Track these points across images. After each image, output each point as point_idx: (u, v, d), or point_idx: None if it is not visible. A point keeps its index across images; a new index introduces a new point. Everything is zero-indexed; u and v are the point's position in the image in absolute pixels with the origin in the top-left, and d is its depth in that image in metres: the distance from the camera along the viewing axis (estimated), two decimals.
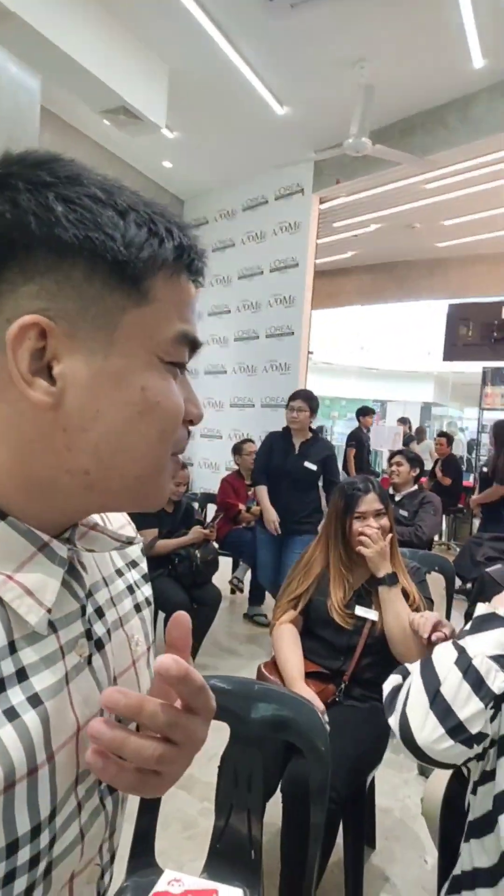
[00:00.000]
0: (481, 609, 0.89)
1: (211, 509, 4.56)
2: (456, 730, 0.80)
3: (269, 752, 1.46)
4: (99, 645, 0.47)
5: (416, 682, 0.86)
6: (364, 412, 7.45)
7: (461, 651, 0.85)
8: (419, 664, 0.89)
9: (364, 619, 1.75)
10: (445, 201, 6.16)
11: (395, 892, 1.76)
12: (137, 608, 0.55)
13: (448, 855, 1.05)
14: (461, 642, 0.86)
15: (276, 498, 3.39)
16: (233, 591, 4.54)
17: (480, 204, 6.21)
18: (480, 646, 0.85)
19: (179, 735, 0.40)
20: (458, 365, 9.50)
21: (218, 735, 0.87)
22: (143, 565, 0.59)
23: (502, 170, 5.34)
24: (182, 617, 0.42)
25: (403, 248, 7.95)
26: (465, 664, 0.83)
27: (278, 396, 5.70)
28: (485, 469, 5.00)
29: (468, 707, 0.81)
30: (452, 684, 0.82)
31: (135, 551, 0.58)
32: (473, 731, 0.81)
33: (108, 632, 0.49)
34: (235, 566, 4.34)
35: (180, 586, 3.03)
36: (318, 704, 1.60)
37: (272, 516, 3.35)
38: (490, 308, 7.56)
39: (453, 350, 7.82)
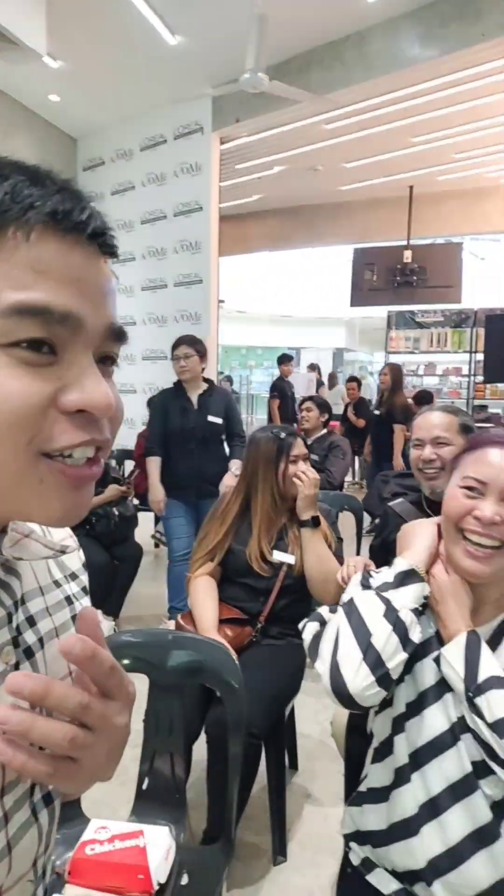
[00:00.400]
0: (402, 565, 0.94)
1: (129, 465, 4.49)
2: (384, 678, 0.87)
3: (190, 697, 1.51)
4: (29, 653, 0.45)
5: (345, 632, 0.90)
6: (283, 360, 7.47)
7: (388, 604, 0.90)
8: (342, 613, 0.93)
9: (281, 563, 1.81)
10: (346, 143, 6.13)
11: (318, 804, 1.91)
12: (75, 619, 0.52)
13: (353, 773, 1.15)
14: (387, 595, 0.91)
15: (184, 462, 2.98)
16: (156, 545, 4.56)
17: (379, 146, 6.23)
18: (403, 599, 0.91)
19: (93, 719, 0.38)
20: (366, 310, 9.71)
21: (142, 685, 0.88)
22: (84, 578, 0.58)
23: (399, 111, 5.35)
24: (88, 614, 0.40)
25: (308, 191, 7.88)
26: (393, 617, 0.89)
27: None
28: (377, 412, 5.18)
29: (396, 657, 0.87)
30: (382, 636, 0.87)
31: (75, 564, 0.56)
32: (395, 677, 0.88)
33: (41, 640, 0.47)
34: (158, 520, 4.34)
35: (100, 545, 3.00)
36: (228, 648, 1.66)
37: (158, 495, 2.97)
38: (392, 252, 7.73)
39: (359, 295, 7.98)
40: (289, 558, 1.82)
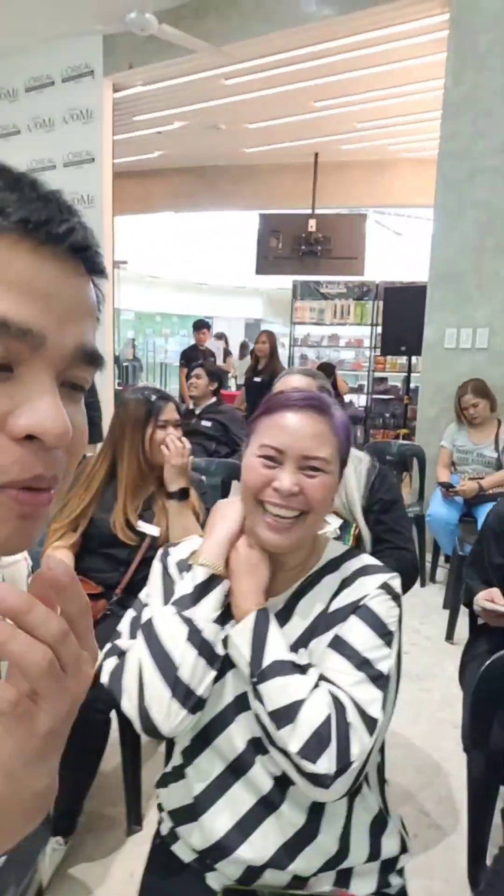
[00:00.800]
0: (199, 574, 0.86)
1: None
2: (196, 705, 0.82)
3: None
4: None
5: (148, 665, 0.81)
6: (197, 327, 7.22)
7: (190, 625, 0.83)
8: (142, 640, 0.84)
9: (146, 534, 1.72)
10: (247, 102, 5.93)
11: None
12: None
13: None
14: (188, 614, 0.83)
15: None
16: None
17: (282, 108, 6.08)
18: (204, 612, 0.84)
19: (68, 655, 0.32)
20: (280, 281, 9.61)
21: None
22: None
23: (300, 71, 5.22)
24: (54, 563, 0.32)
25: (212, 150, 7.61)
26: (197, 640, 0.82)
27: None
28: (256, 378, 5.20)
29: (205, 680, 0.82)
30: (188, 666, 0.81)
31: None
32: (206, 697, 0.83)
33: None
34: None
35: None
36: None
37: None
38: (297, 220, 7.67)
39: (265, 263, 7.88)
40: (153, 530, 1.73)
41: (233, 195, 8.38)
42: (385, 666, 0.84)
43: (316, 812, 0.84)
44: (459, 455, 3.34)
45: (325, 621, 0.88)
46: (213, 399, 3.65)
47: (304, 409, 0.86)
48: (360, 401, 7.87)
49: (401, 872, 0.94)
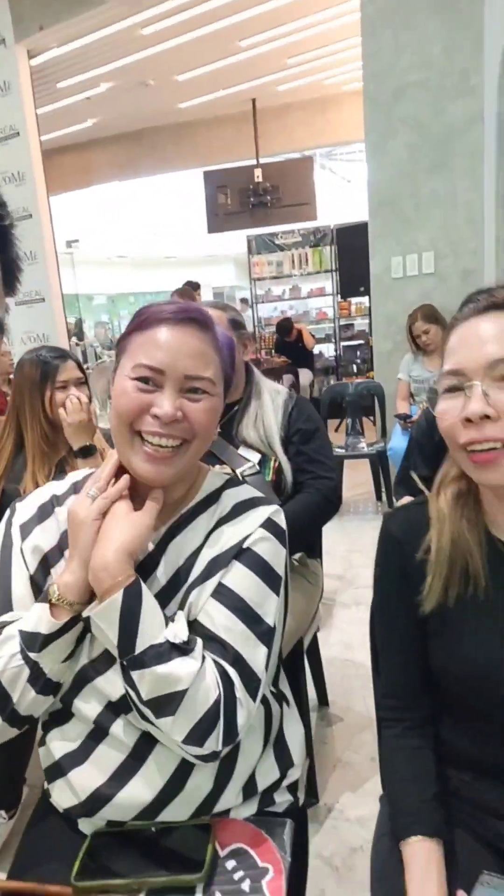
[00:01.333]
0: (56, 619, 0.76)
1: None
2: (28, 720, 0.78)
3: None
4: None
5: None
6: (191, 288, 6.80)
7: (35, 669, 0.74)
8: None
9: None
10: (171, 51, 5.67)
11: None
12: None
13: None
14: (34, 657, 0.74)
15: None
16: None
17: (208, 53, 5.82)
18: (54, 656, 0.76)
19: None
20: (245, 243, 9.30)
21: None
22: None
23: (217, 9, 4.97)
24: None
25: (146, 111, 7.32)
26: (40, 683, 0.75)
27: (31, 290, 5.15)
28: None
29: (42, 705, 0.79)
30: (26, 702, 0.75)
31: None
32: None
33: None
34: None
35: None
36: None
37: None
38: (243, 172, 7.43)
39: (216, 221, 7.67)
40: None
41: (174, 156, 8.10)
42: (272, 618, 0.78)
43: (187, 762, 0.77)
44: (416, 385, 3.30)
45: (206, 567, 0.79)
46: None
47: (184, 323, 0.75)
48: (329, 350, 7.78)
49: (292, 788, 0.90)
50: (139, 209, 12.38)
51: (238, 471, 1.50)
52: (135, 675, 0.70)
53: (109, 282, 13.62)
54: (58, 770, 0.82)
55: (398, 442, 3.14)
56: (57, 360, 1.69)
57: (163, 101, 7.02)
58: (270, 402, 1.54)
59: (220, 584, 0.77)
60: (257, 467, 1.48)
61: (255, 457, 1.49)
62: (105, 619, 0.70)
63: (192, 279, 6.38)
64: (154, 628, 0.71)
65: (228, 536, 0.80)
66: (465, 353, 0.68)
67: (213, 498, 0.84)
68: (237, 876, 0.78)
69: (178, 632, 0.72)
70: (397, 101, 3.39)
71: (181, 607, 0.78)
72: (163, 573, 0.80)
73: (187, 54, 5.80)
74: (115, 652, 0.72)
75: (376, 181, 3.54)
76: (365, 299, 6.57)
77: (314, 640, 1.83)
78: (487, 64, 3.11)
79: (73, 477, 0.89)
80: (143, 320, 0.77)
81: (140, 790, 0.78)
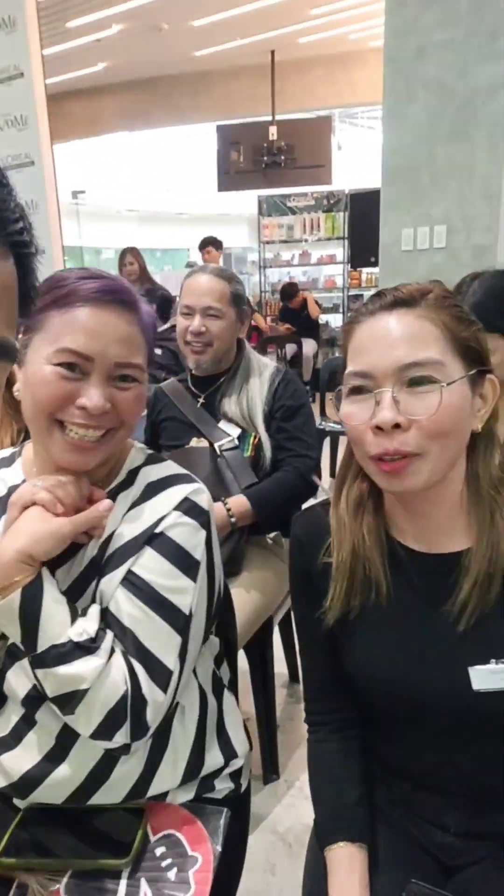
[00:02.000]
0: None
1: None
2: None
3: None
4: None
5: None
6: (203, 244, 6.51)
7: None
8: None
9: None
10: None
11: None
12: None
13: None
14: None
15: None
16: None
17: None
18: None
19: None
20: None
21: None
22: None
23: None
24: None
25: (159, 57, 7.01)
26: None
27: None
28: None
29: None
30: None
31: None
32: None
33: None
34: None
35: None
36: None
37: None
38: (257, 129, 7.17)
39: (227, 179, 7.44)
40: None
41: (188, 108, 7.81)
42: (187, 605, 0.74)
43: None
44: None
45: (117, 553, 0.75)
46: (166, 325, 3.49)
47: (112, 305, 0.70)
48: (337, 321, 7.63)
49: (235, 776, 0.89)
50: (151, 162, 12.05)
51: (216, 444, 1.47)
52: (38, 673, 0.68)
53: (116, 236, 13.33)
54: None
55: None
56: None
57: (177, 47, 6.72)
58: (258, 376, 1.51)
59: (129, 572, 0.73)
60: (236, 442, 1.46)
61: (235, 431, 1.46)
62: (5, 618, 0.68)
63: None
64: (55, 627, 0.67)
65: (140, 520, 0.75)
66: (375, 355, 0.64)
67: (131, 478, 0.80)
68: (165, 863, 0.78)
69: (86, 627, 0.69)
70: (419, 60, 3.20)
71: (94, 599, 0.75)
72: (77, 563, 0.76)
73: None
74: (21, 645, 0.69)
75: (392, 147, 3.38)
76: (376, 270, 6.40)
77: (287, 617, 1.82)
78: None
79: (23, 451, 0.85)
80: (63, 295, 0.70)
81: (70, 773, 0.76)
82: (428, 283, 0.68)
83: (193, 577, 0.75)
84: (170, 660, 0.72)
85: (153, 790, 0.81)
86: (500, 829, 0.75)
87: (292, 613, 0.88)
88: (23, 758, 0.77)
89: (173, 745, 0.81)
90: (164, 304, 3.91)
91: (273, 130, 7.04)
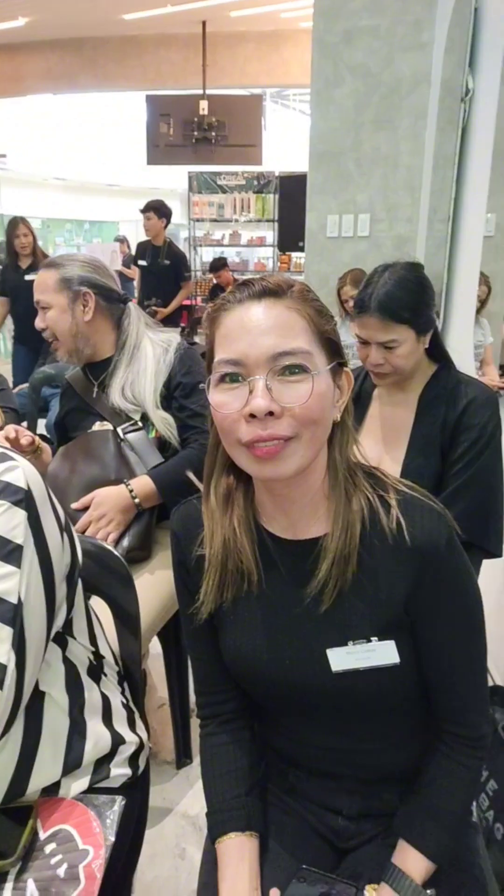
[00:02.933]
0: None
1: None
2: None
3: None
4: None
5: None
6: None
7: None
8: None
9: None
10: None
11: None
12: None
13: None
14: None
15: None
16: None
17: None
18: None
19: None
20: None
21: None
22: None
23: None
24: None
25: (87, 18, 6.66)
26: None
27: None
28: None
29: None
30: None
31: None
32: None
33: None
34: None
35: None
36: None
37: None
38: (188, 102, 6.99)
39: (156, 152, 7.23)
40: None
41: (115, 74, 7.49)
42: (14, 593, 0.69)
43: None
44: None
45: None
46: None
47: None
48: None
49: (132, 761, 0.88)
50: (80, 130, 11.50)
51: (119, 429, 1.43)
52: None
53: (41, 204, 12.67)
54: None
55: None
56: None
57: (105, 8, 6.40)
58: (145, 356, 1.45)
59: None
60: (139, 424, 1.42)
61: (137, 413, 1.42)
62: None
63: (135, 212, 5.90)
64: None
65: None
66: (245, 343, 0.63)
67: None
68: (54, 860, 0.75)
69: None
70: (347, 45, 3.20)
71: None
72: None
73: None
74: None
75: (319, 131, 3.38)
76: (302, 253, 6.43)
77: None
78: (439, 20, 2.98)
79: None
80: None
81: None
82: (290, 277, 0.68)
83: (16, 563, 0.70)
84: (2, 653, 0.68)
85: (35, 783, 0.78)
86: (388, 806, 0.78)
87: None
88: None
89: (48, 734, 0.78)
90: None
91: (204, 105, 6.89)
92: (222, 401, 0.64)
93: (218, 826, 0.76)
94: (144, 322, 1.53)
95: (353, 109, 3.28)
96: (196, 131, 6.94)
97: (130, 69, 7.39)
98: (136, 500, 1.35)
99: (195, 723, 1.69)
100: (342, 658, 0.69)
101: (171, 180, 11.55)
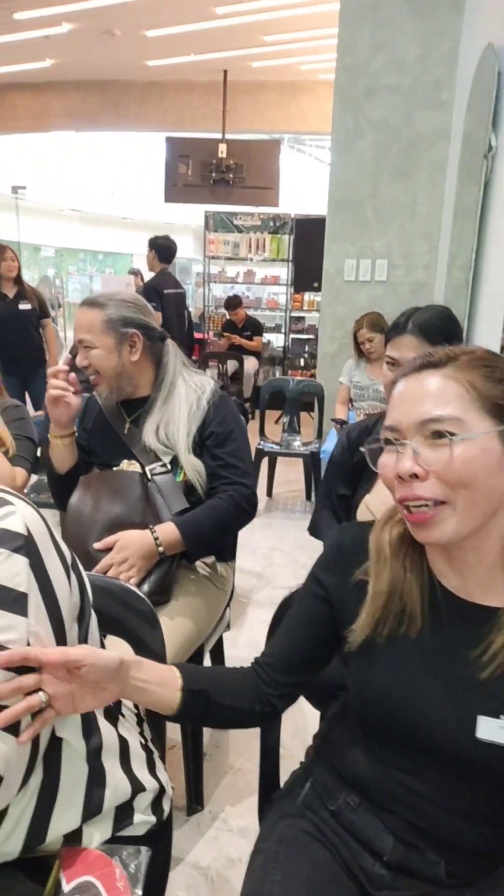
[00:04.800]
0: None
1: None
2: None
3: None
4: None
5: None
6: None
7: None
8: None
9: None
10: (142, 4, 5.37)
11: None
12: None
13: None
14: None
15: None
16: None
17: (179, 13, 5.55)
18: None
19: None
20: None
21: None
22: None
23: None
24: None
25: (110, 62, 6.94)
26: None
27: None
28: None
29: None
30: None
31: None
32: None
33: None
34: None
35: None
36: None
37: None
38: (207, 145, 7.21)
39: (174, 191, 7.42)
40: None
41: (137, 116, 7.75)
42: (18, 641, 0.67)
43: None
44: (356, 391, 3.30)
45: None
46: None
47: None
48: (278, 341, 7.73)
49: (156, 807, 0.87)
50: (96, 162, 11.86)
51: (147, 468, 1.43)
52: None
53: (58, 234, 12.97)
54: None
55: (332, 445, 3.14)
56: None
57: (129, 54, 6.67)
58: (182, 401, 1.45)
59: None
60: (168, 466, 1.42)
61: (167, 455, 1.42)
62: None
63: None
64: None
65: None
66: (402, 411, 0.70)
67: None
68: None
69: None
70: (368, 100, 3.34)
71: None
72: None
73: (157, 9, 5.51)
74: None
75: (339, 179, 3.49)
76: (318, 295, 6.54)
77: (218, 645, 1.80)
78: (459, 80, 3.11)
79: None
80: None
81: None
82: (466, 347, 0.72)
83: (22, 611, 0.68)
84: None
85: (55, 831, 0.76)
86: (429, 868, 0.75)
87: (296, 595, 0.91)
88: None
89: (67, 781, 0.77)
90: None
91: (223, 148, 7.11)
92: (383, 462, 0.71)
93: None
94: (181, 361, 1.54)
95: (372, 160, 3.39)
96: (214, 172, 7.14)
97: (151, 111, 7.66)
98: (161, 549, 1.34)
99: (208, 767, 1.68)
100: (493, 729, 0.69)
101: (184, 215, 11.84)
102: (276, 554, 3.15)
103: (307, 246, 5.40)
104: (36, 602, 0.70)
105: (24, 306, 3.88)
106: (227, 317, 6.65)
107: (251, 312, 6.93)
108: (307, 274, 5.81)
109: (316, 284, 5.21)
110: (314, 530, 1.54)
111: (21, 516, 0.72)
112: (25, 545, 0.70)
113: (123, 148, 11.42)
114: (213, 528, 1.41)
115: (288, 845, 0.81)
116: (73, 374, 1.41)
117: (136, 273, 9.20)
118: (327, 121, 3.52)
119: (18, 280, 3.89)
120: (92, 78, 7.53)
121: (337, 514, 1.48)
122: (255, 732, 1.86)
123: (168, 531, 1.35)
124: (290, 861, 0.79)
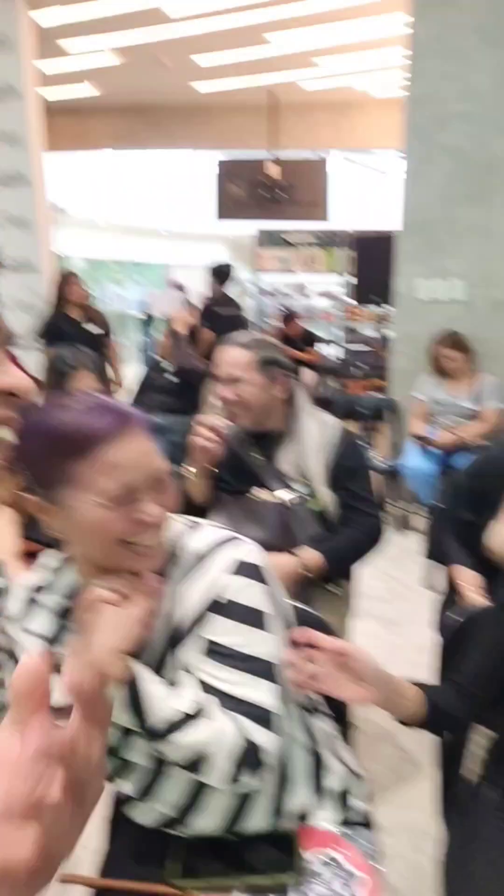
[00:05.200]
0: None
1: None
2: None
3: None
4: None
5: None
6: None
7: None
8: None
9: None
10: (191, 35, 5.50)
11: None
12: None
13: None
14: None
15: None
16: None
17: (230, 39, 5.65)
18: None
19: None
20: (241, 226, 9.26)
21: None
22: None
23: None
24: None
25: (157, 88, 7.08)
26: None
27: (22, 257, 4.84)
28: None
29: None
30: None
31: None
32: None
33: None
34: None
35: None
36: None
37: None
38: (257, 164, 7.41)
39: (226, 209, 7.63)
40: None
41: (182, 135, 7.92)
42: (270, 653, 0.83)
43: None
44: (438, 408, 3.34)
45: (183, 623, 0.83)
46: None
47: (123, 433, 0.76)
48: (333, 352, 7.84)
49: (367, 796, 1.02)
50: (133, 178, 12.01)
51: (287, 499, 1.56)
52: (163, 748, 0.79)
53: (89, 246, 13.04)
54: (129, 799, 0.92)
55: (415, 461, 3.24)
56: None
57: (176, 80, 6.83)
58: (318, 433, 1.57)
59: (211, 642, 0.82)
60: (305, 497, 1.54)
61: (303, 488, 1.55)
62: (116, 709, 0.76)
63: (179, 254, 6.08)
64: (160, 704, 0.76)
65: (197, 589, 0.83)
66: None
67: (176, 550, 0.87)
68: (329, 879, 0.89)
69: (191, 697, 0.79)
70: (440, 128, 3.45)
71: (179, 666, 0.84)
72: (156, 640, 0.84)
73: (207, 38, 5.62)
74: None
75: (411, 202, 3.60)
76: (378, 308, 6.59)
77: None
78: None
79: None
80: (76, 447, 0.74)
81: (210, 818, 0.89)
82: None
83: (265, 627, 0.83)
84: (266, 702, 0.81)
85: (291, 806, 0.93)
86: None
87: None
88: (161, 807, 0.89)
89: (293, 768, 0.93)
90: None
91: (272, 167, 7.28)
92: None
93: None
94: (306, 396, 1.67)
95: (445, 185, 3.50)
96: (263, 190, 7.32)
97: (197, 132, 7.82)
98: (306, 573, 1.49)
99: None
100: None
101: (216, 226, 11.93)
102: (363, 565, 3.24)
103: (367, 261, 5.53)
104: (274, 621, 0.87)
105: (94, 330, 3.99)
106: (287, 334, 6.79)
107: (305, 325, 7.05)
108: (368, 289, 5.93)
109: (377, 300, 5.32)
110: (438, 555, 1.66)
111: (252, 549, 0.87)
112: (262, 573, 0.86)
113: (154, 160, 11.43)
114: (352, 556, 1.58)
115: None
116: (218, 423, 1.52)
117: (179, 287, 9.36)
118: (378, 137, 3.63)
119: (84, 304, 4.01)
120: (138, 101, 7.72)
121: (460, 538, 1.61)
122: (379, 736, 2.00)
123: (314, 559, 1.50)
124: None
